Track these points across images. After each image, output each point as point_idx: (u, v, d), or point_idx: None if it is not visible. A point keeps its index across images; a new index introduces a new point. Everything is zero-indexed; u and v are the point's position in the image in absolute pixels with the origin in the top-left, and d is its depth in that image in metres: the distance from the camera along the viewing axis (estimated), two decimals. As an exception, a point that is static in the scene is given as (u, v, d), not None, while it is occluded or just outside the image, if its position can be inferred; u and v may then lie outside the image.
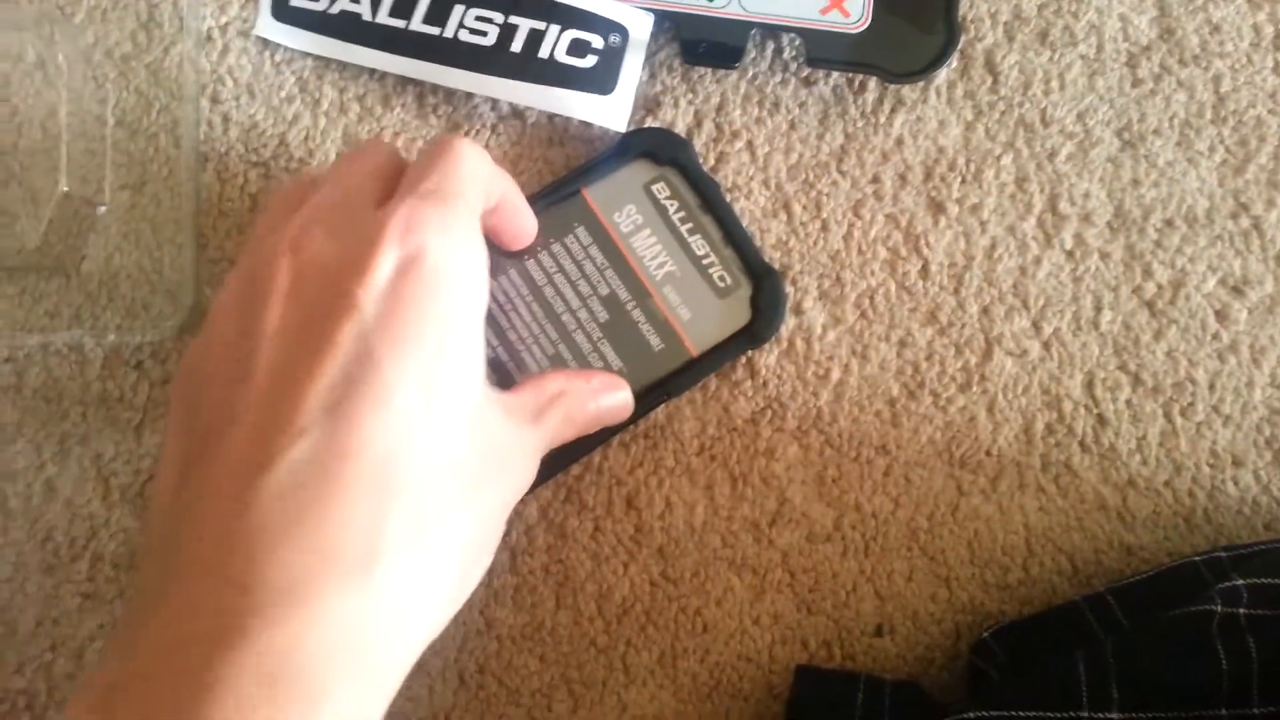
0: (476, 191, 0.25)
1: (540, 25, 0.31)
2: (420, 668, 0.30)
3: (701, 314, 0.30)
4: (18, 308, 0.31)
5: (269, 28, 0.31)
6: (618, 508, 0.31)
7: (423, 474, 0.21)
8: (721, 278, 0.30)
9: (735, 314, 0.30)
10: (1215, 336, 0.31)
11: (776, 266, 0.31)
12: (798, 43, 0.31)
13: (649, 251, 0.29)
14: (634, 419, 0.29)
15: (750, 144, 0.32)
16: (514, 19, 0.31)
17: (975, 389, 0.31)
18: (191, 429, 0.22)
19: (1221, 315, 0.31)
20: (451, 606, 0.23)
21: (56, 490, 0.31)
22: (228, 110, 0.32)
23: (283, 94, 0.32)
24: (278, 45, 0.32)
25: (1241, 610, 0.25)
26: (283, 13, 0.31)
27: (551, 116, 0.32)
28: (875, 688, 0.28)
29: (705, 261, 0.30)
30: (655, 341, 0.29)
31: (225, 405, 0.21)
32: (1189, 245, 0.31)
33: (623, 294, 0.29)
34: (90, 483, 0.31)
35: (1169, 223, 0.31)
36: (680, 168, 0.30)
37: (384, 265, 0.21)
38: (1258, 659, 0.24)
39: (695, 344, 0.30)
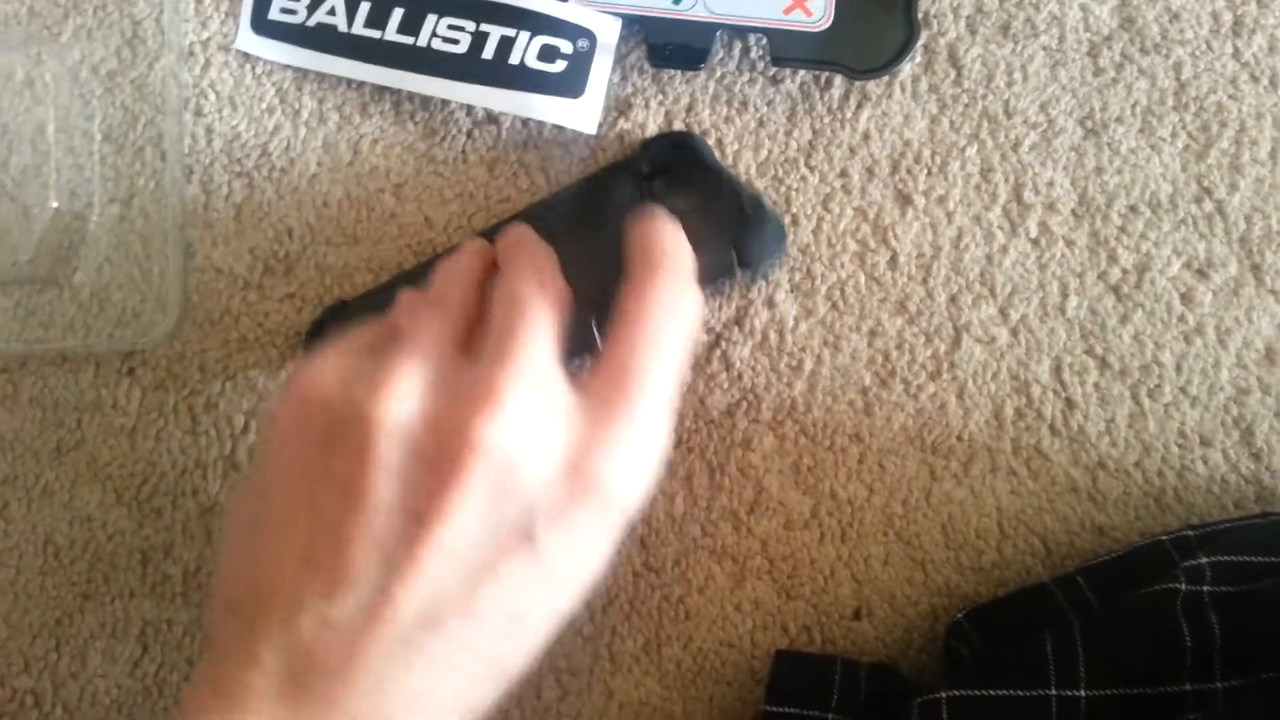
0: (668, 397, 0.24)
1: (510, 32, 0.31)
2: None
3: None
4: (12, 320, 0.32)
5: (248, 41, 0.32)
6: (599, 500, 0.31)
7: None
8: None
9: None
10: (1181, 319, 0.31)
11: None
12: (763, 43, 0.32)
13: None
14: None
15: (720, 142, 0.32)
16: (485, 26, 0.31)
17: (945, 376, 0.31)
18: (315, 509, 0.21)
19: (1186, 298, 0.31)
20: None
21: (54, 494, 0.32)
22: (211, 123, 0.32)
23: (263, 105, 0.32)
24: (258, 58, 0.32)
25: (1205, 588, 0.25)
26: (261, 26, 0.32)
27: (525, 121, 0.32)
28: (852, 670, 0.28)
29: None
30: None
31: (364, 548, 0.21)
32: (1153, 230, 0.32)
33: None
34: (87, 486, 0.32)
35: (1133, 208, 0.32)
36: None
37: (577, 519, 0.22)
38: (1220, 635, 0.24)
39: None
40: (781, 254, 0.31)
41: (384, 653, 0.20)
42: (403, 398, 0.21)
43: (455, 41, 0.31)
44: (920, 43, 0.32)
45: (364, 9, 0.32)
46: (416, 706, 0.21)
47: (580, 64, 0.31)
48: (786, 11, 0.31)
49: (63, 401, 0.32)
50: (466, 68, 0.31)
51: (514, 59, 0.31)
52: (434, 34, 0.31)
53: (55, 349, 0.32)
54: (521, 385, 0.21)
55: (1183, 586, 0.25)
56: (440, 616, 0.21)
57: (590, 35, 0.31)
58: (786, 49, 0.31)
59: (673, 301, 0.24)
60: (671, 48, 0.31)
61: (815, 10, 0.31)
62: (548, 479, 0.21)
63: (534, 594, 0.22)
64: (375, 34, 0.32)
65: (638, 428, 0.22)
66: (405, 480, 0.21)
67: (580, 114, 0.31)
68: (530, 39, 0.31)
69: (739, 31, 0.31)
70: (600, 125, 0.32)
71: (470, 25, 0.31)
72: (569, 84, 0.31)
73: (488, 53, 0.31)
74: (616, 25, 0.31)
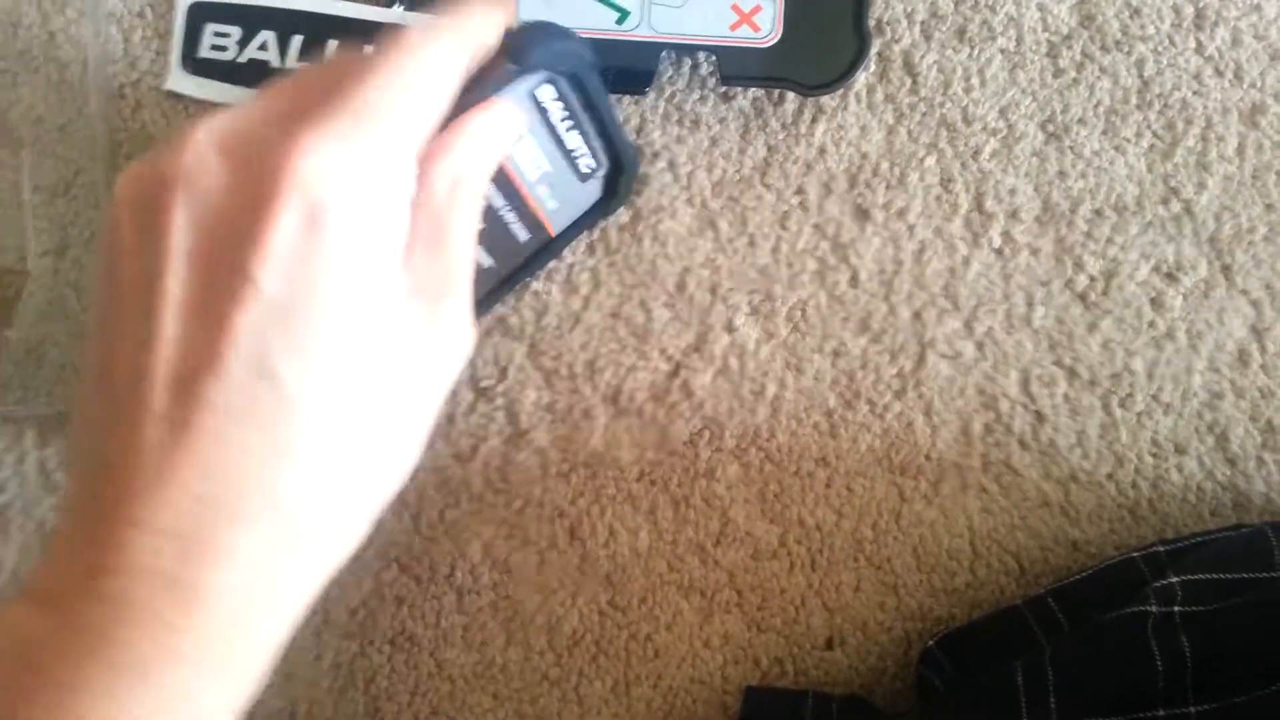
0: (415, 113, 0.21)
1: None
2: (375, 716, 0.30)
3: (566, 200, 0.30)
4: (-52, 381, 0.31)
5: (180, 81, 0.31)
6: (561, 539, 0.30)
7: (327, 441, 0.20)
8: (588, 165, 0.29)
9: (594, 193, 0.30)
10: (1151, 324, 0.31)
11: (640, 146, 0.31)
12: (711, 60, 0.31)
13: (526, 156, 0.28)
14: (493, 303, 0.30)
15: (672, 163, 0.31)
16: None
17: (911, 394, 0.30)
18: (107, 354, 0.20)
19: (1156, 303, 0.31)
20: (365, 520, 0.22)
21: (2, 564, 0.31)
22: (143, 167, 0.31)
23: (197, 147, 0.31)
24: (191, 100, 0.31)
25: (1176, 609, 0.24)
26: (192, 65, 0.31)
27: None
28: (824, 703, 0.28)
29: (576, 154, 0.29)
30: (521, 233, 0.29)
31: (132, 364, 0.19)
32: (1120, 234, 0.31)
33: (498, 202, 0.29)
34: (34, 552, 0.31)
35: (1098, 213, 0.31)
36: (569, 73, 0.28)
37: (281, 231, 0.19)
38: (1191, 657, 0.23)
39: (555, 226, 0.30)
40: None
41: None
42: (192, 180, 0.19)
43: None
44: (873, 53, 0.31)
45: (296, 42, 0.31)
46: (226, 497, 0.19)
47: None
48: (733, 28, 0.30)
49: (3, 464, 0.31)
50: None
51: None
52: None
53: (-6, 408, 0.31)
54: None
55: (1153, 608, 0.24)
56: (191, 386, 0.19)
57: None
58: (735, 67, 0.30)
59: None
60: (615, 71, 0.30)
61: (763, 25, 0.30)
62: (239, 198, 0.19)
63: (268, 339, 0.19)
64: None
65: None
66: (184, 302, 0.19)
67: None
68: None
69: (685, 51, 0.30)
70: None
71: None
72: None
73: None
74: None
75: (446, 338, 0.22)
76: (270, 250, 0.19)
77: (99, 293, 0.21)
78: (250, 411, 0.19)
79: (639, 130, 0.31)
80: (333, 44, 0.31)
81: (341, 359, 0.20)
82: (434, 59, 0.21)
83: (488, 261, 0.29)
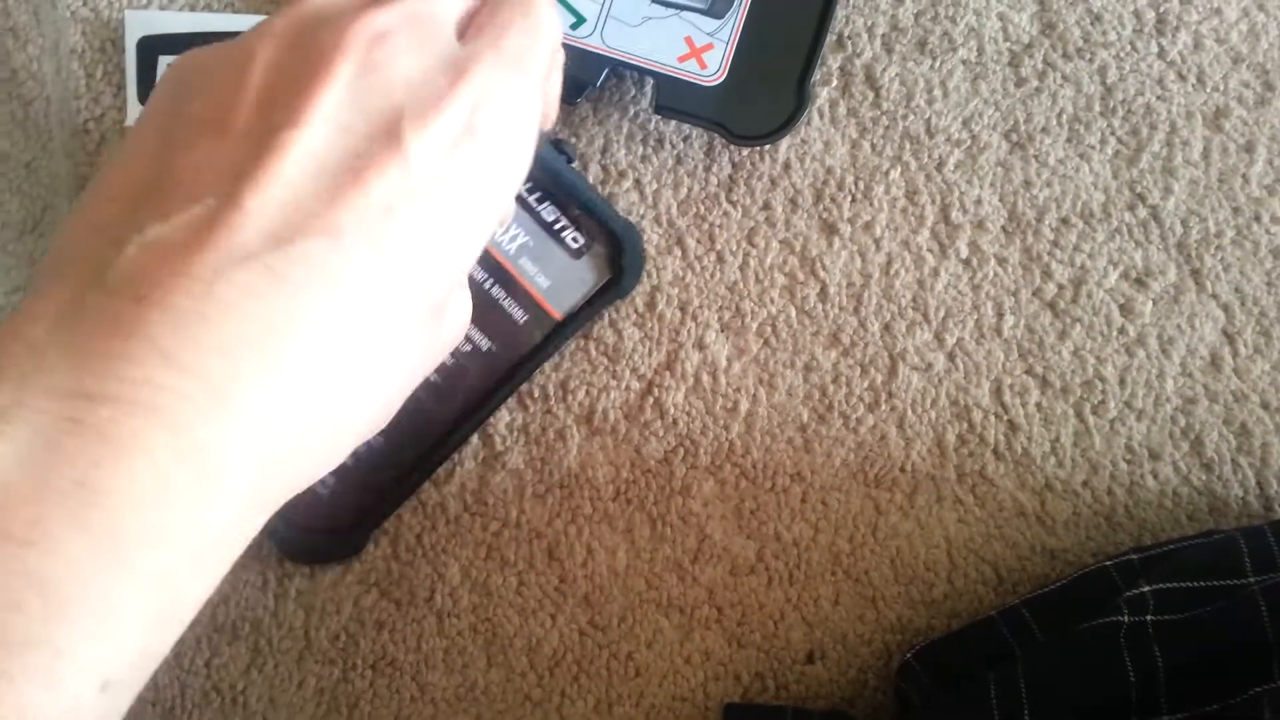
0: (546, 64, 0.22)
1: None
2: (356, 739, 0.30)
3: (561, 279, 0.30)
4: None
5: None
6: (539, 560, 0.30)
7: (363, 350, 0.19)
8: (574, 239, 0.30)
9: (595, 273, 0.30)
10: (1121, 331, 0.30)
11: (634, 223, 0.31)
12: (648, 86, 0.31)
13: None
14: (511, 391, 0.30)
15: (638, 182, 0.31)
16: None
17: (884, 407, 0.30)
18: (167, 148, 0.18)
19: (1126, 309, 0.31)
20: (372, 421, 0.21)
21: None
22: (113, 202, 0.31)
23: (167, 180, 0.32)
24: (158, 131, 0.32)
25: (1149, 618, 0.24)
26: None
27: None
28: (803, 718, 0.28)
29: (558, 227, 0.29)
30: (519, 314, 0.29)
31: (214, 166, 0.18)
32: (1087, 242, 0.31)
33: (479, 274, 0.29)
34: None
35: (1065, 221, 0.31)
36: None
37: (447, 126, 0.19)
38: (1164, 667, 0.23)
39: (557, 308, 0.30)
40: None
41: (215, 272, 0.17)
42: (376, 42, 0.19)
43: None
44: (805, 118, 0.31)
45: None
46: (257, 348, 0.17)
47: None
48: (681, 60, 0.30)
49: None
50: None
51: None
52: None
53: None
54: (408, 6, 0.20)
55: (1126, 618, 0.24)
56: (292, 231, 0.17)
57: None
58: (673, 98, 0.30)
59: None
60: None
61: (710, 64, 0.30)
62: (422, 78, 0.19)
63: (405, 215, 0.19)
64: None
65: (515, 57, 0.21)
66: (270, 100, 0.19)
67: None
68: None
69: (629, 70, 0.31)
70: None
71: None
72: None
73: None
74: None
75: (456, 311, 0.22)
76: (431, 137, 0.19)
77: (197, 61, 0.20)
78: (324, 269, 0.18)
79: (603, 150, 0.32)
80: None
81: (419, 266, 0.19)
82: (557, 29, 0.22)
83: (485, 344, 0.29)
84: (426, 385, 0.28)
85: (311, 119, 0.18)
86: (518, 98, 0.21)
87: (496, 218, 0.21)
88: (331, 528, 0.30)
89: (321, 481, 0.28)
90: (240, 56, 0.19)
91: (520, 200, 0.28)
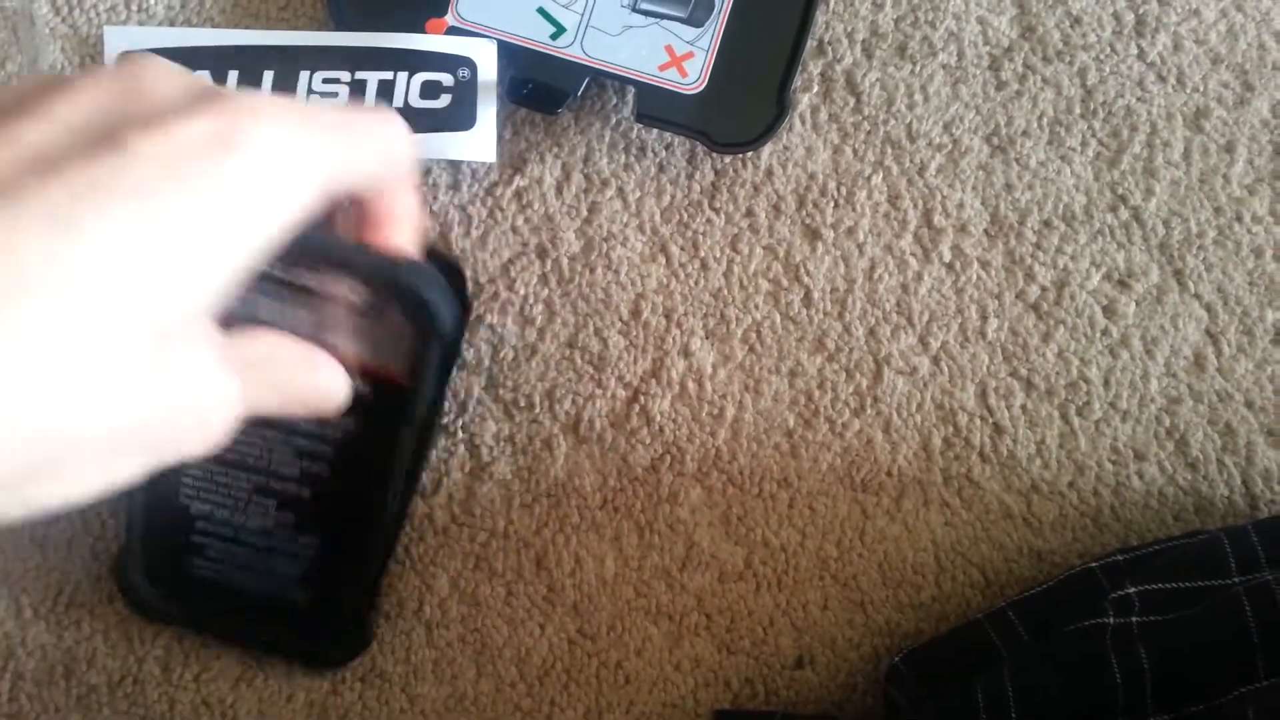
0: (365, 144, 0.21)
1: (388, 75, 0.30)
2: (346, 752, 0.30)
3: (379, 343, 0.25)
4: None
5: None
6: (528, 570, 0.30)
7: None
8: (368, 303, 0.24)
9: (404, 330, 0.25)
10: (1105, 332, 0.30)
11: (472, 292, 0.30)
12: (630, 95, 0.31)
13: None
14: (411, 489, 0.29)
15: (621, 190, 0.31)
16: (360, 74, 0.30)
17: (869, 411, 0.30)
18: None
19: (1109, 310, 0.30)
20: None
21: (-31, 615, 0.31)
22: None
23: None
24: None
25: (1134, 619, 0.24)
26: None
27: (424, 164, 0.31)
28: (793, 725, 0.28)
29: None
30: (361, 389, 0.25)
31: None
32: (1069, 244, 0.31)
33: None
34: (2, 602, 0.31)
35: (1047, 223, 0.31)
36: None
37: (188, 131, 0.18)
38: (1150, 668, 0.23)
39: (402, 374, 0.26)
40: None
41: None
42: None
43: (334, 94, 0.30)
44: (786, 125, 0.31)
45: (233, 77, 0.31)
46: None
47: (465, 94, 0.30)
48: (661, 69, 0.30)
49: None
50: None
51: (398, 101, 0.30)
52: (310, 89, 0.30)
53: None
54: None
55: (1111, 620, 0.24)
56: None
57: (469, 63, 0.30)
58: (654, 106, 0.30)
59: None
60: (532, 85, 0.30)
61: (691, 72, 0.30)
62: (173, 101, 0.18)
63: (108, 203, 0.17)
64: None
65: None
66: (18, 106, 0.18)
67: (476, 145, 0.30)
68: (409, 78, 0.30)
69: (610, 79, 0.30)
70: (497, 152, 0.30)
71: (345, 75, 0.30)
72: (458, 117, 0.30)
73: (369, 100, 0.30)
74: (492, 48, 0.30)
75: (197, 374, 0.19)
76: (159, 132, 0.18)
77: None
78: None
79: (585, 159, 0.31)
80: (268, 76, 0.31)
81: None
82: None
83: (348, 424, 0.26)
84: (325, 466, 0.27)
85: (40, 117, 0.18)
86: (296, 131, 0.19)
87: (245, 243, 0.18)
88: (336, 629, 0.30)
89: (293, 600, 0.29)
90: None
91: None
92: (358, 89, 0.30)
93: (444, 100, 0.30)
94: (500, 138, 0.31)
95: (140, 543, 0.29)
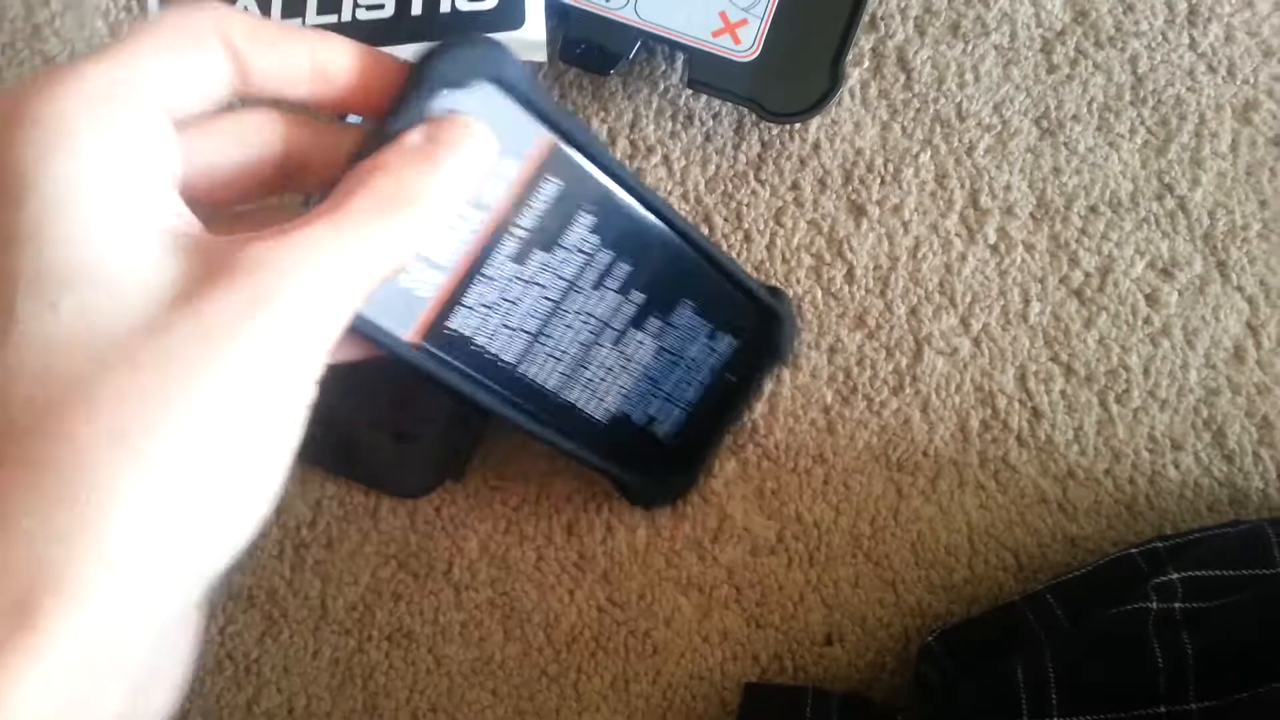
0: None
1: None
2: (373, 712, 0.29)
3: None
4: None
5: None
6: (559, 536, 0.30)
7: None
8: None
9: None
10: (1147, 321, 0.30)
11: None
12: (680, 61, 0.30)
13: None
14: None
15: (666, 158, 0.31)
16: None
17: (908, 390, 0.30)
18: None
19: (1152, 299, 0.30)
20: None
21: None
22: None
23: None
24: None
25: (1177, 605, 0.24)
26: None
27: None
28: (823, 699, 0.27)
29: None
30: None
31: None
32: (1114, 230, 0.30)
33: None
34: None
35: (1093, 209, 0.30)
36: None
37: None
38: (1193, 654, 0.23)
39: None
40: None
41: None
42: None
43: (380, 6, 0.30)
44: (837, 97, 0.30)
45: (277, 6, 0.30)
46: None
47: None
48: (715, 35, 0.30)
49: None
50: (398, 29, 0.30)
51: (444, 7, 0.29)
52: (357, 4, 0.30)
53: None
54: None
55: (1154, 605, 0.24)
56: None
57: None
58: (706, 73, 0.29)
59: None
60: (585, 46, 0.30)
61: (744, 39, 0.29)
62: None
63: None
64: (295, 21, 0.30)
65: None
66: None
67: (527, 44, 0.29)
68: None
69: (661, 44, 0.30)
70: (547, 51, 0.29)
71: None
72: (507, 17, 0.29)
73: (416, 8, 0.30)
74: None
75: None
76: None
77: None
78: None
79: (632, 125, 0.31)
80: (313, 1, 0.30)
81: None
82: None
83: None
84: None
85: None
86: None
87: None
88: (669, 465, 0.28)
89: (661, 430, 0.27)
90: None
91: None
92: (403, 3, 0.30)
93: (491, 2, 0.29)
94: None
95: None
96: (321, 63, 0.19)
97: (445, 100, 0.20)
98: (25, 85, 0.17)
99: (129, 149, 0.17)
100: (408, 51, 0.29)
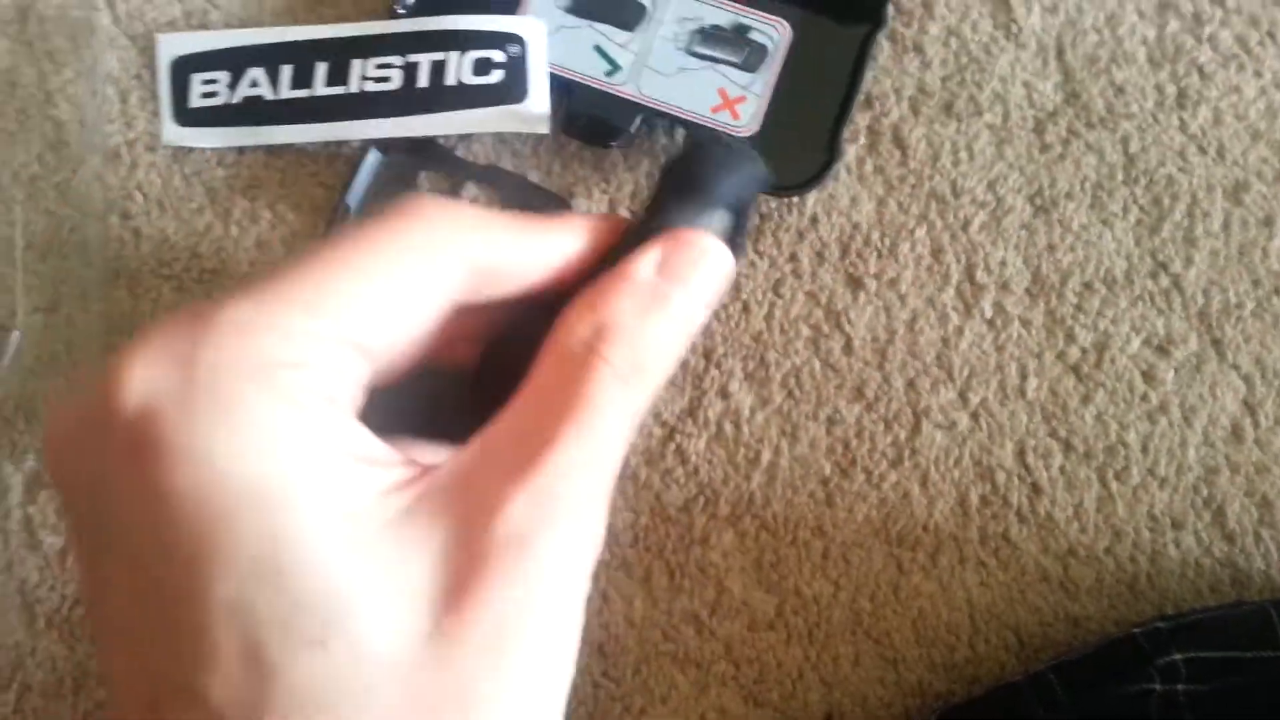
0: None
1: (440, 56, 0.30)
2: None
3: None
4: (-71, 438, 0.29)
5: (175, 134, 0.31)
6: (552, 608, 0.29)
7: None
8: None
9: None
10: (1144, 398, 0.30)
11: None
12: (679, 135, 0.31)
13: None
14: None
15: (667, 230, 0.31)
16: (413, 57, 0.30)
17: (907, 464, 0.30)
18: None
19: (1148, 376, 0.30)
20: None
21: (-28, 625, 0.29)
22: (138, 225, 0.31)
23: (193, 205, 0.31)
24: (187, 157, 0.31)
25: (1180, 686, 0.23)
26: (185, 117, 0.31)
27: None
28: (822, 785, 0.26)
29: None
30: None
31: None
32: (1110, 307, 0.31)
33: None
34: (15, 611, 0.29)
35: (1088, 286, 0.31)
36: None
37: None
38: (1200, 742, 0.22)
39: None
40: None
41: None
42: None
43: (387, 79, 0.30)
44: (835, 172, 0.31)
45: (286, 72, 0.31)
46: None
47: (517, 69, 0.30)
48: (714, 110, 0.30)
49: (-19, 524, 0.29)
50: (404, 101, 0.30)
51: (450, 80, 0.30)
52: (364, 77, 0.30)
53: (-26, 467, 0.29)
54: None
55: (1157, 686, 0.24)
56: None
57: (519, 40, 0.30)
58: None
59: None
60: (588, 119, 0.30)
61: (743, 115, 0.30)
62: None
63: None
64: (304, 93, 0.30)
65: None
66: None
67: (530, 117, 0.30)
68: (461, 57, 0.30)
69: (661, 119, 0.30)
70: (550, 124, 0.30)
71: (398, 60, 0.30)
72: (511, 91, 0.30)
73: (422, 81, 0.30)
74: (541, 26, 0.30)
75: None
76: None
77: None
78: None
79: (632, 195, 0.31)
80: (321, 67, 0.30)
81: None
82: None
83: None
84: None
85: None
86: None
87: None
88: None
89: None
90: None
91: None
92: (410, 73, 0.30)
93: (496, 76, 0.30)
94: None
95: None
96: (560, 255, 0.17)
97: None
98: (196, 334, 0.14)
99: (330, 427, 0.14)
100: (418, 124, 0.30)
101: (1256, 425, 0.30)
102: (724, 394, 0.30)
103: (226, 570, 0.13)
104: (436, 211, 0.16)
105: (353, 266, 0.15)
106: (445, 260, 0.16)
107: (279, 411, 0.14)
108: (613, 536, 0.29)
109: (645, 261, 0.17)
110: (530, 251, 0.17)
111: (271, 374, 0.14)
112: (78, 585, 0.18)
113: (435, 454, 0.16)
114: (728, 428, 0.30)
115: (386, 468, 0.15)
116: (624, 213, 0.31)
